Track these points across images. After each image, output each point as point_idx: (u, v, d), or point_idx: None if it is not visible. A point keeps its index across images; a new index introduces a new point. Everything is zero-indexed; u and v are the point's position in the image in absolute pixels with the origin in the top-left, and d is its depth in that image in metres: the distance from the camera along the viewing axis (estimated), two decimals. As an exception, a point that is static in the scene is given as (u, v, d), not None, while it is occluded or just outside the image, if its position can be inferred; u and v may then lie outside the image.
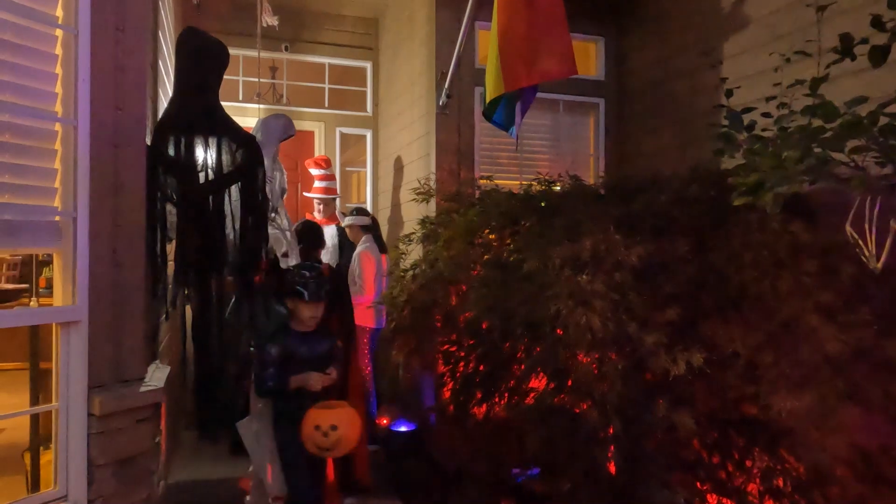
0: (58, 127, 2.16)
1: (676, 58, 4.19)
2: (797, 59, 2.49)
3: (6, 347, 3.20)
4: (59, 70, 2.18)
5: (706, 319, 1.88)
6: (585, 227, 2.18)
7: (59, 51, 2.18)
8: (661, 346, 1.74)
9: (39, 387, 2.74)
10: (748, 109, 2.50)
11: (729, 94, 2.62)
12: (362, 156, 6.31)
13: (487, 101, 3.27)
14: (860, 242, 2.19)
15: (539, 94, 4.47)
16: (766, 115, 2.49)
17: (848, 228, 2.24)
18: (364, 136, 6.20)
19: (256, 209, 2.47)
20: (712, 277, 2.02)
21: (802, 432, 1.60)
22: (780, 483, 1.76)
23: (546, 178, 3.33)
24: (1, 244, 2.01)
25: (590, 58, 4.86)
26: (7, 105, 2.01)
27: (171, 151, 2.43)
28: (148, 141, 2.47)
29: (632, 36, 4.68)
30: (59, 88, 2.18)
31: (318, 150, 5.95)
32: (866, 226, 2.16)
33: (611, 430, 1.88)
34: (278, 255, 3.85)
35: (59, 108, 2.17)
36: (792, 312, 1.78)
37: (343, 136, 6.13)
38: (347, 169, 6.51)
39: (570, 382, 1.98)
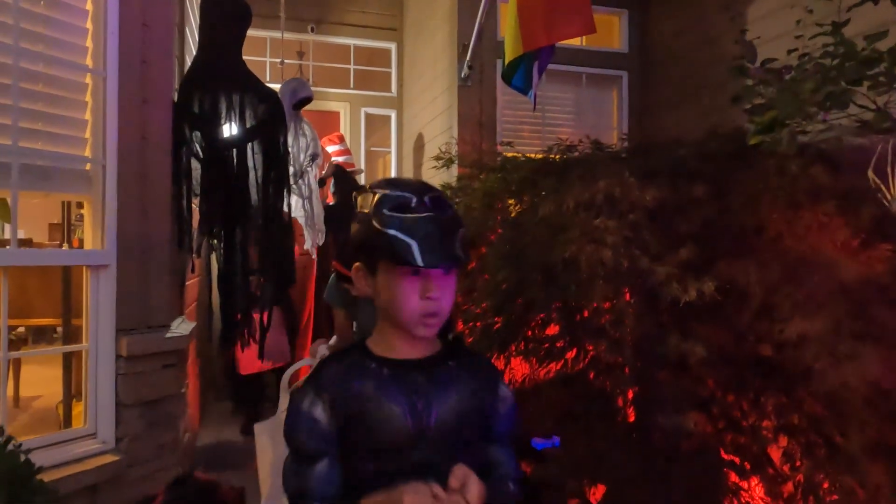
0: (88, 79, 2.25)
1: (699, 27, 4.15)
2: (819, 15, 2.46)
3: (41, 302, 3.33)
4: (89, 25, 2.26)
5: (721, 258, 1.87)
6: (601, 174, 2.19)
7: (89, 6, 2.27)
8: (673, 278, 1.75)
9: (71, 340, 2.84)
10: (768, 60, 2.48)
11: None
12: (389, 139, 6.37)
13: (506, 63, 3.28)
14: (882, 186, 2.16)
15: (562, 67, 4.49)
16: (788, 67, 2.46)
17: (870, 173, 2.21)
18: (389, 117, 6.25)
19: (277, 163, 2.53)
20: (729, 219, 2.01)
21: (815, 359, 1.58)
22: (796, 420, 1.75)
23: (566, 143, 3.31)
24: (35, 187, 2.09)
25: (613, 31, 4.84)
26: (41, 55, 2.10)
27: (196, 107, 2.49)
28: (174, 98, 2.54)
29: (655, 7, 4.64)
30: (89, 42, 2.26)
31: (344, 131, 6.02)
32: (888, 170, 2.13)
33: (626, 370, 1.89)
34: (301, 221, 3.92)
35: (89, 60, 2.26)
36: (808, 248, 1.77)
37: (368, 116, 6.19)
38: (373, 149, 6.57)
39: (578, 318, 1.99)
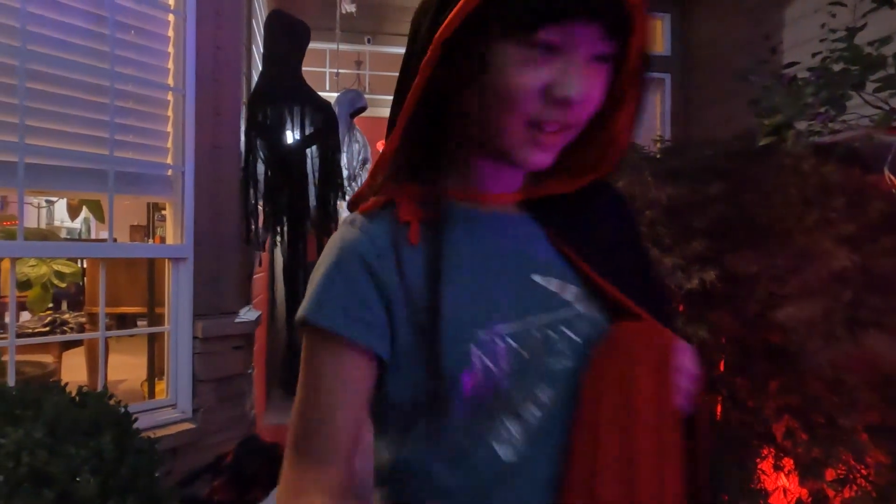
0: (170, 96, 2.59)
1: (741, 29, 4.22)
2: (844, 21, 2.55)
3: (125, 293, 3.75)
4: (170, 49, 2.61)
5: (731, 251, 2.03)
6: (624, 175, 2.37)
7: (171, 33, 2.61)
8: (678, 268, 1.91)
9: (154, 325, 3.22)
10: (790, 64, 2.59)
11: (773, 51, 2.71)
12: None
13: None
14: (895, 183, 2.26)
15: (605, 72, 4.63)
16: (812, 69, 2.57)
17: (886, 172, 2.31)
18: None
19: (330, 166, 2.83)
20: (742, 215, 2.15)
21: (805, 342, 1.72)
22: (798, 400, 1.88)
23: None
24: (127, 191, 2.45)
25: (655, 34, 4.94)
26: (131, 77, 2.45)
27: (261, 118, 2.81)
28: (242, 110, 2.87)
29: (697, 10, 4.72)
30: (170, 64, 2.60)
31: (398, 136, 6.31)
32: (902, 167, 2.23)
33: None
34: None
35: (170, 80, 2.60)
36: (810, 241, 1.90)
37: (421, 122, 6.46)
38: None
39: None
